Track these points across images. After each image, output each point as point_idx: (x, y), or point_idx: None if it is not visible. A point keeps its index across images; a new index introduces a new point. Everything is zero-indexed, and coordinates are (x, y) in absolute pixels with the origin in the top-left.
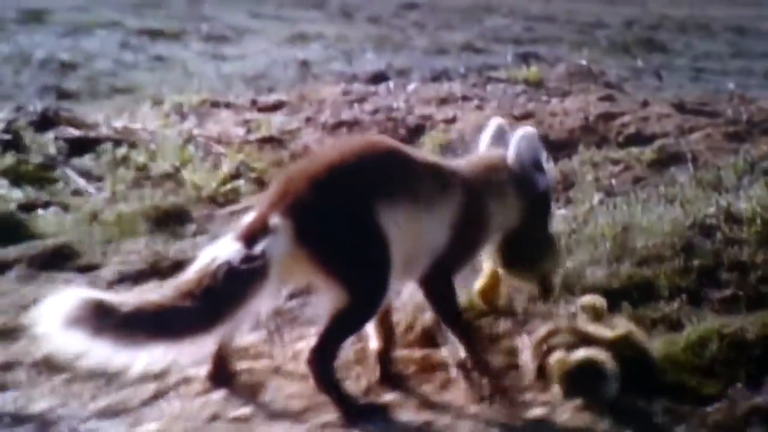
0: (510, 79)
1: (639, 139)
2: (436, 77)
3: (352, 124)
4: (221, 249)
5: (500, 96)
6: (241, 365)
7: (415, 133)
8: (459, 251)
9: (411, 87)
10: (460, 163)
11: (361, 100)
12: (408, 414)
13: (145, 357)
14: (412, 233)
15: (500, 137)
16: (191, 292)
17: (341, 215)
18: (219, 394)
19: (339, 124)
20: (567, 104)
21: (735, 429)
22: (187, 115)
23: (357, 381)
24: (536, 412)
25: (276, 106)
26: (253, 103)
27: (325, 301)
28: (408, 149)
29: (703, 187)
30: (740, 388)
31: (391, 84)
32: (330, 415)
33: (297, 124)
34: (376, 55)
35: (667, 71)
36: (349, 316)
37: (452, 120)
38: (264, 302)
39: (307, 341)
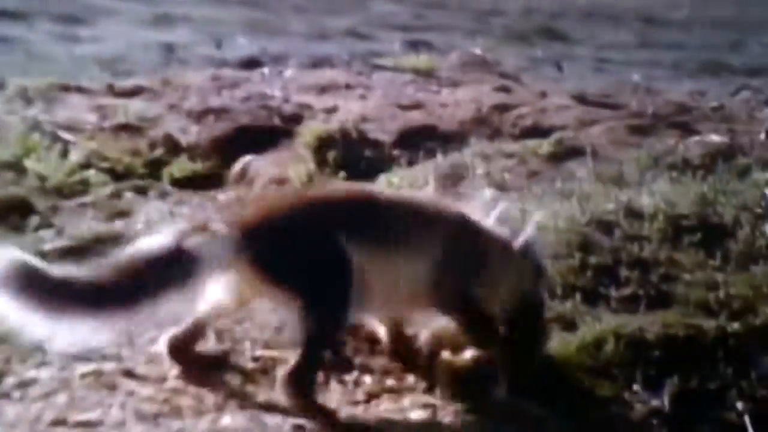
0: (397, 67)
1: (536, 131)
2: (317, 64)
3: (220, 112)
4: (155, 240)
5: (386, 85)
6: (88, 367)
7: (292, 122)
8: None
9: (288, 73)
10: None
11: (232, 86)
12: (277, 417)
13: (65, 329)
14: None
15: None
16: (118, 272)
17: (294, 234)
18: (62, 398)
19: (206, 112)
20: (459, 95)
21: None
22: (32, 101)
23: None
24: (419, 414)
25: (134, 92)
26: (109, 88)
27: (287, 323)
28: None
29: (603, 182)
30: (637, 390)
31: (265, 70)
32: (184, 420)
33: (158, 111)
34: (248, 39)
35: (567, 62)
36: (309, 333)
37: (333, 109)
38: (188, 302)
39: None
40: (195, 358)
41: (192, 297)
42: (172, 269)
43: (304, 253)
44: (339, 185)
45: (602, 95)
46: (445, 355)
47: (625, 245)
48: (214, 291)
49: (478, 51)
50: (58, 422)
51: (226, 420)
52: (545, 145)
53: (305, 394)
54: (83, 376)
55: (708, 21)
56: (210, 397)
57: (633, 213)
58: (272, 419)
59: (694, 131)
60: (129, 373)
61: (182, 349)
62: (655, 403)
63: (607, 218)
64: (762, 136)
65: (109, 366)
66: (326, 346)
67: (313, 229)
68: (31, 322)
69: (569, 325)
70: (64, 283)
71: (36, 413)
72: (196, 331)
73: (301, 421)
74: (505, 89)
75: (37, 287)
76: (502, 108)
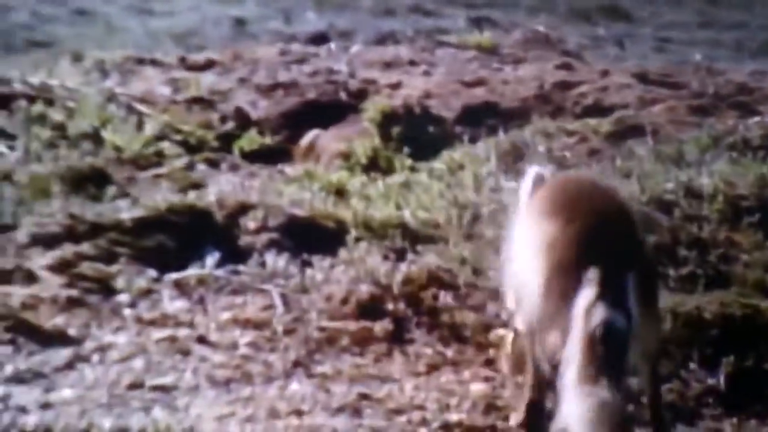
0: (461, 44)
1: (597, 110)
2: (382, 40)
3: (289, 86)
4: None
5: (450, 62)
6: (163, 333)
7: (357, 97)
8: None
9: (354, 49)
10: None
11: (300, 61)
12: (342, 386)
13: None
14: None
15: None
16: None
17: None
18: (139, 362)
19: (275, 86)
20: (521, 72)
21: (687, 410)
22: (109, 73)
23: (285, 353)
24: (479, 386)
25: (206, 66)
26: (182, 61)
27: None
28: None
29: (663, 161)
30: (694, 368)
31: (332, 45)
32: (254, 386)
33: (229, 85)
34: (316, 14)
35: (629, 40)
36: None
37: (397, 85)
38: None
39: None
40: None
41: None
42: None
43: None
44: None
45: (663, 74)
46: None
47: (684, 225)
48: None
49: (541, 28)
50: (135, 386)
51: (294, 386)
52: (606, 124)
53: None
54: (158, 341)
55: None
56: (279, 365)
57: (692, 193)
58: (338, 387)
59: (754, 112)
60: (202, 340)
61: None
62: (711, 381)
63: (667, 198)
64: None
65: (182, 332)
66: None
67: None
68: None
69: None
70: None
71: (114, 377)
72: None
73: (364, 389)
74: (567, 67)
75: None
76: (564, 86)
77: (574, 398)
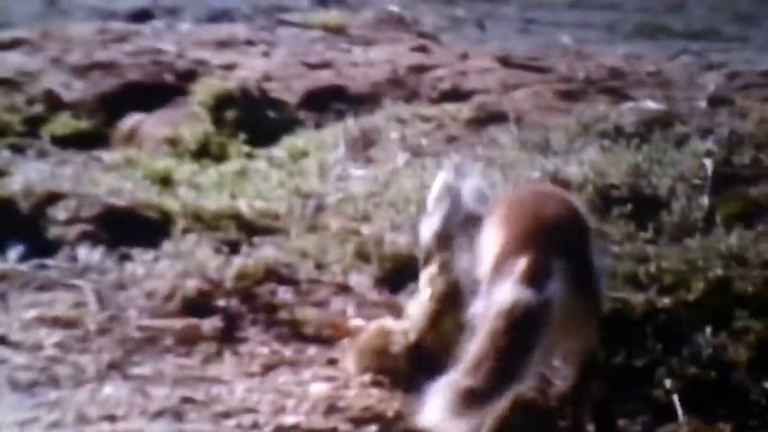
0: (305, 23)
1: (455, 95)
2: (215, 18)
3: (108, 67)
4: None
5: (292, 42)
6: None
7: (186, 79)
8: None
9: (183, 27)
10: None
11: (120, 40)
12: (164, 389)
13: None
14: None
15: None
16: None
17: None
18: None
19: (91, 66)
20: (372, 54)
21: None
22: None
23: (98, 354)
24: (320, 387)
25: (12, 44)
26: None
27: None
28: None
29: (528, 149)
30: (558, 365)
31: (158, 23)
32: (62, 390)
33: (38, 65)
34: None
35: (491, 21)
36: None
37: (232, 66)
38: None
39: None
40: None
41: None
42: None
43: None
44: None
45: (528, 58)
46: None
47: None
48: None
49: (394, 8)
50: None
51: (108, 390)
52: (465, 110)
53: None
54: None
55: None
56: (91, 367)
57: (560, 182)
58: (158, 390)
59: (628, 97)
60: (3, 340)
61: None
62: None
63: None
64: (702, 102)
65: None
66: None
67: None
68: None
69: None
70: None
71: None
72: None
73: (189, 392)
74: (423, 49)
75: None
76: (420, 69)
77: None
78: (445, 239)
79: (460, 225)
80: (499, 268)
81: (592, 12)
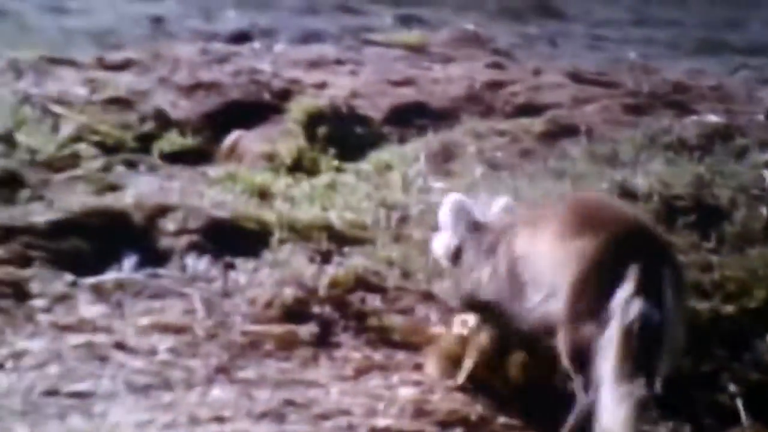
0: (388, 42)
1: (529, 109)
2: (306, 39)
3: (211, 86)
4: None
5: (377, 61)
6: (79, 339)
7: (282, 97)
8: None
9: (278, 48)
10: None
11: (222, 60)
12: (266, 391)
13: None
14: None
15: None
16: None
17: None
18: (55, 368)
19: (196, 86)
20: (450, 71)
21: None
22: (23, 73)
23: (206, 358)
24: (408, 390)
25: (124, 65)
26: (99, 61)
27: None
28: None
29: (597, 161)
30: None
31: (255, 44)
32: (175, 392)
33: (148, 85)
34: (237, 12)
35: (562, 39)
36: None
37: (323, 85)
38: None
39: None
40: None
41: None
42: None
43: None
44: None
45: (597, 73)
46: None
47: None
48: None
49: (470, 27)
50: (51, 392)
51: (216, 392)
52: (538, 124)
53: None
54: (75, 347)
55: None
56: (200, 370)
57: (627, 193)
58: (261, 393)
59: (691, 111)
60: (120, 345)
61: None
62: None
63: None
64: (761, 116)
65: (100, 338)
66: None
67: None
68: None
69: None
70: None
71: (28, 383)
72: None
73: (289, 395)
74: (497, 66)
75: None
76: (495, 85)
77: (615, 398)
78: (456, 254)
79: (473, 238)
80: (597, 276)
81: (657, 29)
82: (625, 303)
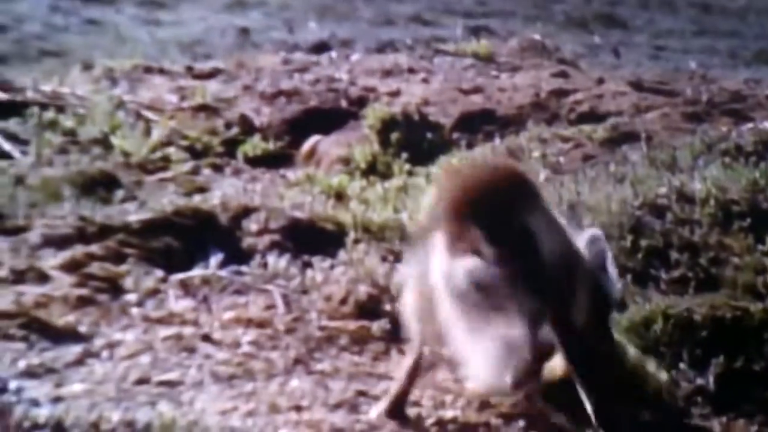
0: (458, 52)
1: (592, 117)
2: (381, 48)
3: (292, 94)
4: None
5: (447, 70)
6: (169, 331)
7: (357, 104)
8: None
9: (354, 57)
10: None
11: (302, 69)
12: (341, 382)
13: None
14: None
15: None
16: None
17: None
18: (146, 359)
19: (278, 93)
20: (517, 80)
21: (677, 409)
22: (118, 81)
23: (285, 351)
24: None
25: (212, 74)
26: (188, 69)
27: None
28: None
29: (657, 166)
30: (684, 369)
31: (333, 54)
32: (256, 382)
33: (233, 93)
34: (318, 24)
35: (625, 48)
36: None
37: (396, 93)
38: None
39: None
40: None
41: None
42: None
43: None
44: None
45: (658, 82)
46: None
47: (676, 228)
48: None
49: (537, 37)
50: (142, 381)
51: (294, 383)
52: (600, 130)
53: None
54: (164, 339)
55: (765, 10)
56: (280, 362)
57: (685, 197)
58: (336, 384)
59: (748, 118)
60: (206, 338)
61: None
62: (700, 381)
63: (660, 202)
64: None
65: (188, 330)
66: None
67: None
68: None
69: (620, 305)
70: None
71: (122, 372)
72: None
73: (362, 386)
74: (563, 75)
75: None
76: (560, 93)
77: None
78: None
79: None
80: None
81: (716, 39)
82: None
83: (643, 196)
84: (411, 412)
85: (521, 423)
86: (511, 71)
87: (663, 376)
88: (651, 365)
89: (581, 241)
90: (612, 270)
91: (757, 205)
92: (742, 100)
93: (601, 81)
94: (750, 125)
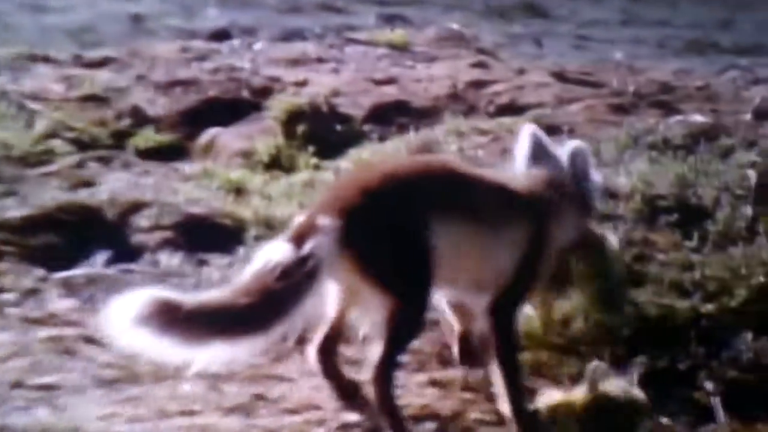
0: (371, 41)
1: (512, 109)
2: (287, 37)
3: (188, 84)
4: (273, 251)
5: (359, 59)
6: (48, 332)
7: (261, 95)
8: (527, 279)
9: (258, 46)
10: (522, 181)
11: (201, 58)
12: (236, 386)
13: (204, 355)
14: (474, 252)
15: (538, 148)
16: (249, 292)
17: (388, 219)
18: (23, 361)
19: (173, 83)
20: (434, 70)
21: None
22: (0, 70)
23: None
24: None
25: (102, 63)
26: (76, 58)
27: (374, 312)
28: (475, 170)
29: None
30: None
31: (235, 42)
32: (141, 387)
33: (125, 82)
34: (218, 10)
35: (547, 38)
36: (400, 325)
37: (304, 83)
38: (315, 302)
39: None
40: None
41: (319, 294)
42: (299, 279)
43: (402, 247)
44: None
45: (582, 73)
46: None
47: (600, 224)
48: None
49: (455, 26)
50: (18, 385)
51: (185, 386)
52: (520, 123)
53: (386, 390)
54: (43, 340)
55: None
56: (169, 364)
57: (609, 192)
58: (231, 387)
59: (676, 111)
60: (89, 339)
61: (328, 354)
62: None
63: None
64: (748, 116)
65: (69, 332)
66: (412, 333)
67: (401, 210)
68: (171, 353)
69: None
70: (199, 312)
71: None
72: (335, 334)
73: (259, 389)
74: (481, 65)
75: (173, 319)
76: (478, 84)
77: None
78: None
79: None
80: None
81: (644, 29)
82: None
83: None
84: (311, 415)
85: (430, 425)
86: (428, 61)
87: None
88: (572, 366)
89: (562, 153)
90: (595, 177)
91: (685, 200)
92: (670, 91)
93: (521, 72)
94: (679, 118)
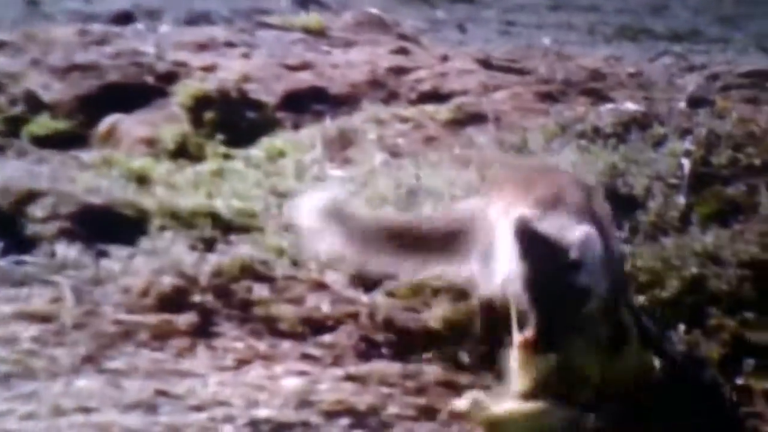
0: (285, 25)
1: (434, 96)
2: (194, 20)
3: (88, 68)
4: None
5: (272, 44)
6: None
7: (166, 80)
8: None
9: (163, 29)
10: None
11: (101, 42)
12: (137, 381)
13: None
14: None
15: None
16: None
17: None
18: None
19: (71, 68)
20: (352, 56)
21: None
22: None
23: (73, 347)
24: (292, 381)
25: None
26: None
27: None
28: None
29: (505, 149)
30: None
31: (138, 26)
32: (38, 383)
33: (19, 67)
34: None
35: (472, 24)
36: None
37: (212, 68)
38: None
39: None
40: None
41: None
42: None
43: None
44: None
45: (508, 60)
46: None
47: None
48: None
49: (374, 10)
50: None
51: (82, 382)
52: (444, 111)
53: None
54: None
55: None
56: (66, 360)
57: None
58: (132, 383)
59: (607, 99)
60: None
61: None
62: None
63: None
64: (682, 104)
65: None
66: None
67: None
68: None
69: (460, 296)
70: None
71: None
72: None
73: (162, 385)
74: (402, 51)
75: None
76: (399, 71)
77: None
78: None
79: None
80: None
81: (574, 14)
82: None
83: (489, 180)
84: (218, 411)
85: (345, 420)
86: (345, 47)
87: None
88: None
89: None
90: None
91: (616, 189)
92: (601, 78)
93: (445, 58)
94: (610, 106)
